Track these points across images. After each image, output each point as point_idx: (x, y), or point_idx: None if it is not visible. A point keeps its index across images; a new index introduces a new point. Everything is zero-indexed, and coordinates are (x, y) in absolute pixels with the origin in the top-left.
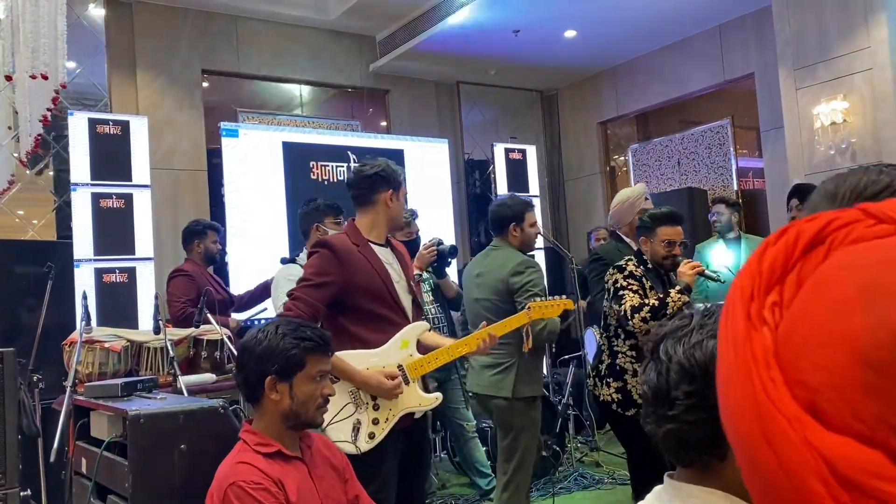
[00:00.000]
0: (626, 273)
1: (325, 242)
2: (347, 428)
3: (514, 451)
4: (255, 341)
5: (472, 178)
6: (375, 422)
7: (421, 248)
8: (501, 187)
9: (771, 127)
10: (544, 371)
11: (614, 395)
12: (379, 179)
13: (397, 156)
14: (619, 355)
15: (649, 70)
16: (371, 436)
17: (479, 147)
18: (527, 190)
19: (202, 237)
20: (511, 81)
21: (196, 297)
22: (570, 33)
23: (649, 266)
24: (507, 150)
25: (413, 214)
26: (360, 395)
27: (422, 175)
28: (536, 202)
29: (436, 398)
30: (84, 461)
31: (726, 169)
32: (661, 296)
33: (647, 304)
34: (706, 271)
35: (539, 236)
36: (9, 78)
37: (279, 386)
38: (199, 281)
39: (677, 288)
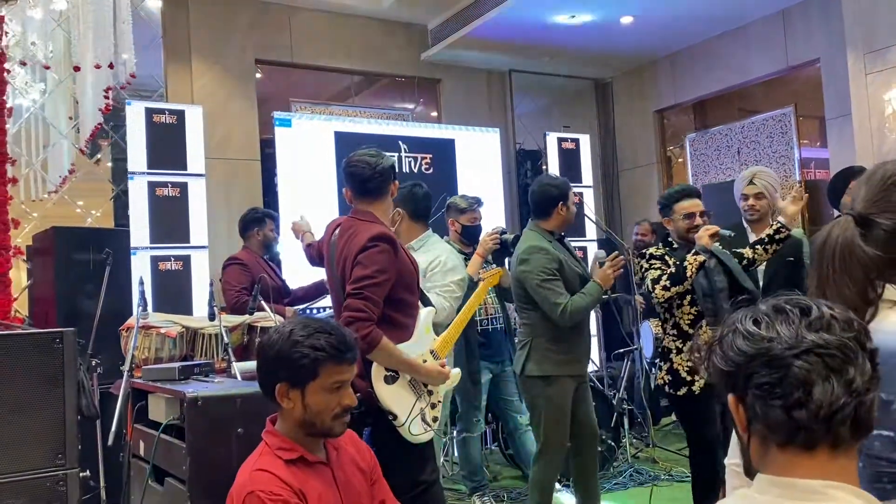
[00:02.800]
0: (647, 256)
1: (388, 237)
2: (419, 419)
3: (536, 427)
4: (269, 344)
5: (523, 168)
6: (433, 406)
7: (484, 234)
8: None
9: (837, 115)
10: (593, 357)
11: (665, 377)
12: (393, 171)
13: (448, 145)
14: (666, 338)
15: (709, 57)
16: (434, 419)
17: (530, 136)
18: (580, 180)
19: (261, 225)
20: (564, 69)
21: (250, 286)
22: (626, 19)
23: (675, 247)
24: (560, 140)
25: (477, 201)
26: (418, 385)
27: (472, 165)
28: (589, 193)
29: (458, 372)
30: (142, 444)
31: (789, 158)
32: (678, 262)
33: (665, 273)
34: (720, 230)
35: (594, 225)
36: (77, 68)
37: (291, 393)
38: (253, 269)
39: (693, 251)
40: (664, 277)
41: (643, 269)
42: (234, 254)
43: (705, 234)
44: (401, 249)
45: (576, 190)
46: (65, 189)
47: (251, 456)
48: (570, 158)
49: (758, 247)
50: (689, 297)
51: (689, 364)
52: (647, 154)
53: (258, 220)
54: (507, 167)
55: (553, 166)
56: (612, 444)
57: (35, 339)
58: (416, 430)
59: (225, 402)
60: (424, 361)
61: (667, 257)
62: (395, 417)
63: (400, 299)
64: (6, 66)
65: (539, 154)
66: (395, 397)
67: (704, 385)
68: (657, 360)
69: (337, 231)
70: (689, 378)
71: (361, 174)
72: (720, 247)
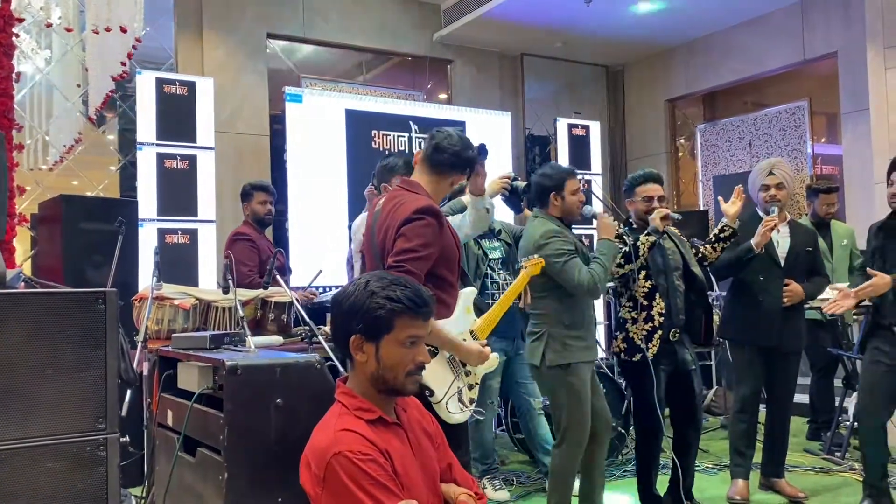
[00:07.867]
0: None
1: (434, 210)
2: (456, 398)
3: (558, 418)
4: (344, 295)
5: (532, 154)
6: (471, 387)
7: (497, 176)
8: (563, 164)
9: (852, 109)
10: (601, 343)
11: (621, 346)
12: (466, 163)
13: (459, 127)
14: (621, 309)
15: (724, 47)
16: (471, 400)
17: (540, 122)
18: (589, 168)
19: (248, 199)
20: (577, 55)
21: (260, 263)
22: (643, 6)
23: (634, 227)
24: (571, 126)
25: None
26: (456, 364)
27: None
28: (598, 180)
29: (497, 356)
30: (170, 413)
31: (801, 153)
32: (634, 242)
33: (622, 250)
34: (670, 213)
35: (601, 204)
36: (69, 30)
37: (365, 346)
38: (260, 246)
39: (646, 231)
40: (619, 255)
41: None
42: (239, 228)
43: (657, 217)
44: (446, 225)
45: (585, 177)
46: (70, 159)
47: (326, 417)
48: (579, 145)
49: (707, 245)
50: (644, 273)
51: (644, 333)
52: (656, 143)
53: (245, 194)
54: (516, 152)
55: (562, 152)
56: (622, 431)
57: (78, 299)
58: (452, 409)
59: (264, 371)
60: (464, 341)
61: (625, 236)
62: (432, 394)
63: (440, 276)
64: (14, 30)
65: (548, 140)
66: (432, 373)
67: (656, 353)
68: (616, 332)
69: (382, 201)
70: (643, 346)
71: (439, 143)
72: (675, 230)
